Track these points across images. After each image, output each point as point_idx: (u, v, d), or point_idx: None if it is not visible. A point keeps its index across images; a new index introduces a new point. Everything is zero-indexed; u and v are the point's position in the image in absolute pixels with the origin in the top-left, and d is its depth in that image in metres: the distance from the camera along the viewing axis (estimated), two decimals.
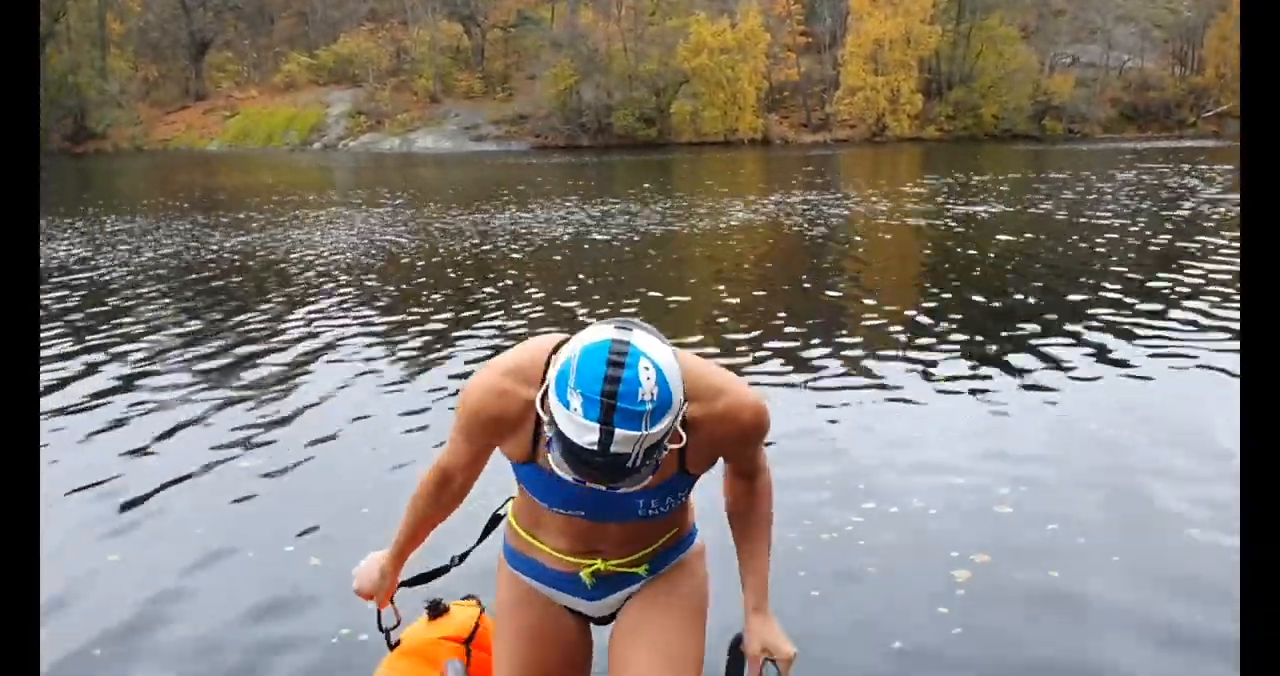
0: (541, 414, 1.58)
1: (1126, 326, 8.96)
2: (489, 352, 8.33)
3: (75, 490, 5.31)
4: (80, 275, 13.14)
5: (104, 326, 9.83)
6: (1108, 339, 8.51)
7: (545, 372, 1.66)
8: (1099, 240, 14.99)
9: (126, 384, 7.59)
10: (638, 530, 1.93)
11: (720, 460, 1.99)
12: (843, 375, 7.56)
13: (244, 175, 36.72)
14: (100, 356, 8.50)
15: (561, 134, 57.22)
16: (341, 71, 64.21)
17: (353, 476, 5.46)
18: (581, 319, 9.84)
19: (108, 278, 12.97)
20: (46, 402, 6.97)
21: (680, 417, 1.58)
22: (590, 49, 58.39)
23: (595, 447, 1.49)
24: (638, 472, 1.55)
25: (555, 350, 1.70)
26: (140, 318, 10.29)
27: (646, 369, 1.50)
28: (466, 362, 8.13)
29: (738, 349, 8.49)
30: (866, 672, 3.53)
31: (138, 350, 8.73)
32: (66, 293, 11.77)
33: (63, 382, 7.59)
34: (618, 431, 1.47)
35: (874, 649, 3.67)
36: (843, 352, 8.28)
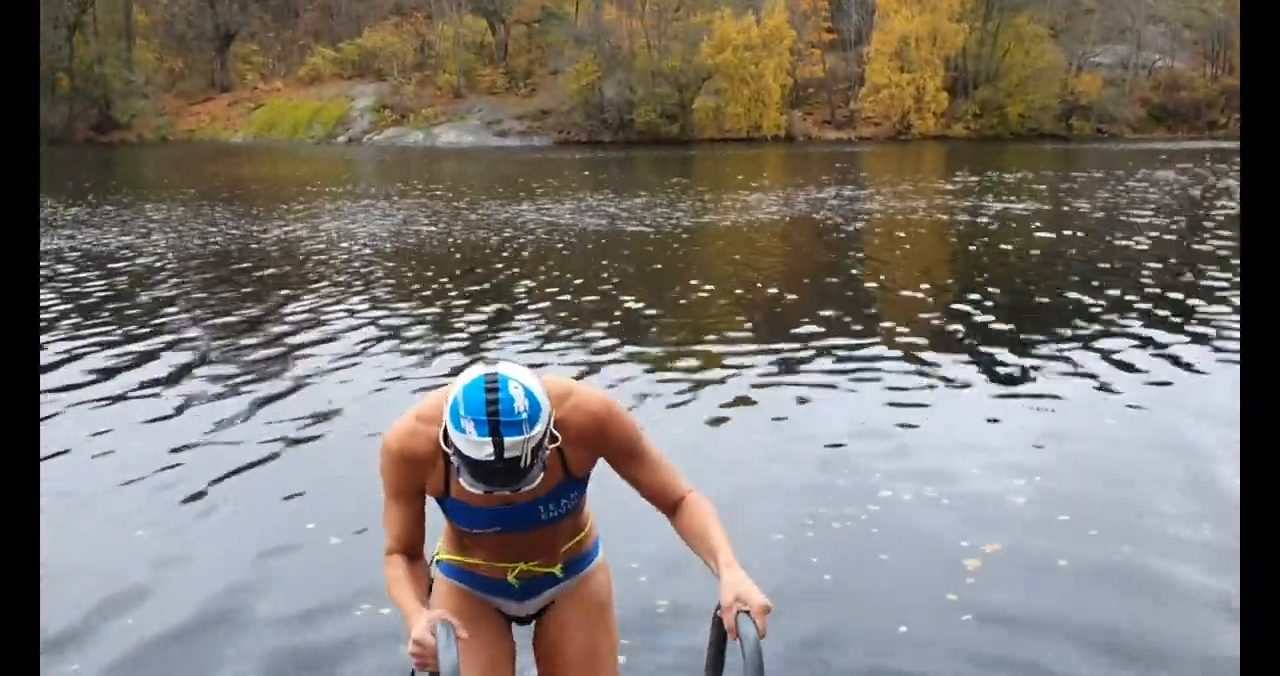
0: (445, 447, 1.95)
1: (1155, 326, 8.84)
2: (526, 341, 8.37)
3: (125, 482, 5.28)
4: (118, 263, 13.19)
5: (143, 315, 9.87)
6: (1134, 338, 8.41)
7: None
8: (1134, 239, 14.82)
9: (165, 372, 7.63)
10: (545, 535, 2.27)
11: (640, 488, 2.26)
12: (864, 370, 7.50)
13: (272, 167, 36.89)
14: (139, 345, 8.53)
15: (584, 130, 57.15)
16: (366, 65, 64.32)
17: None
18: (608, 310, 9.83)
19: (145, 266, 13.02)
20: (88, 391, 6.99)
21: (550, 421, 1.96)
22: (613, 45, 58.23)
23: (492, 458, 1.87)
24: (530, 471, 1.92)
25: None
26: (179, 307, 10.33)
27: (515, 388, 1.89)
28: (506, 350, 8.14)
29: (762, 342, 8.42)
30: (873, 655, 3.51)
31: (176, 340, 8.74)
32: (108, 281, 11.80)
33: (106, 371, 7.62)
34: (506, 440, 1.86)
35: (881, 633, 3.65)
36: (866, 348, 8.21)
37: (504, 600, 2.37)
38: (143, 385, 7.17)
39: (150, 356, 8.06)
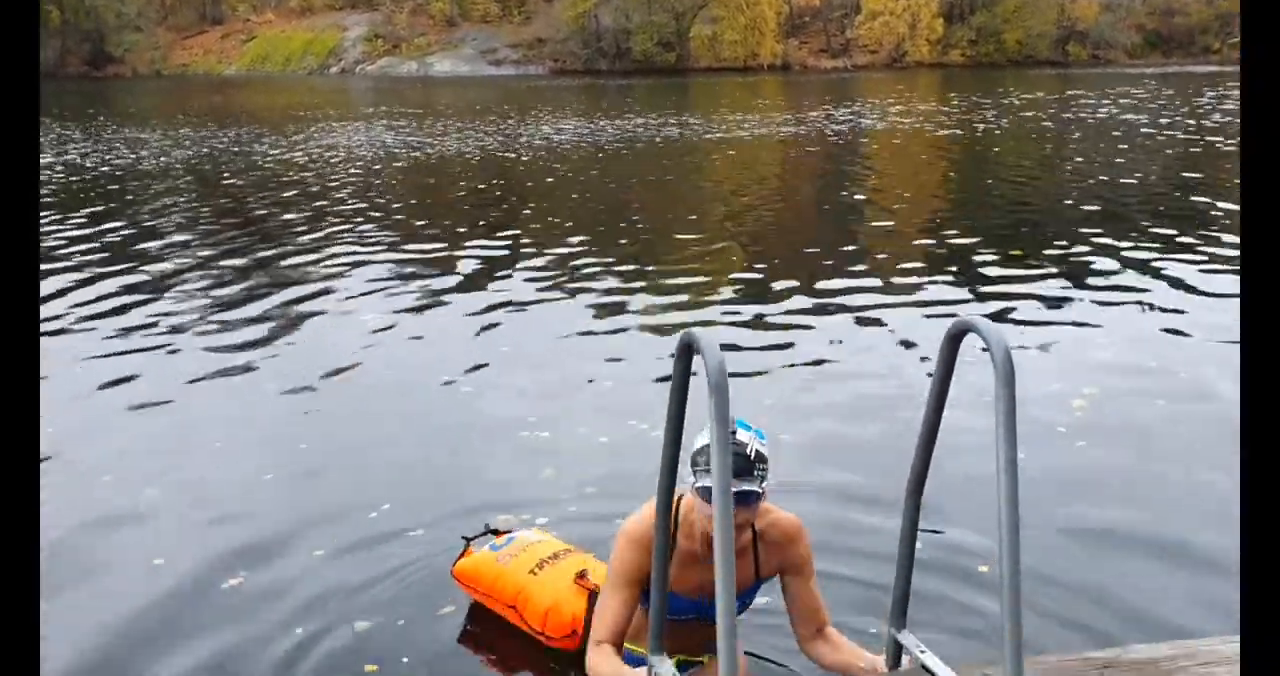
0: (692, 494, 2.45)
1: (1156, 242, 9.50)
2: (536, 265, 8.64)
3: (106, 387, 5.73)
4: (126, 187, 13.62)
5: (159, 240, 10.27)
6: (1148, 250, 9.10)
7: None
8: (1134, 159, 15.38)
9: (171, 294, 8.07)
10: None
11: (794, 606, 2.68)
12: (910, 284, 8.21)
13: (267, 97, 36.87)
14: (149, 268, 9.08)
15: (579, 58, 56.89)
16: None
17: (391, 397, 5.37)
18: (624, 232, 10.43)
19: (151, 190, 13.47)
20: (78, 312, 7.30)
21: (767, 450, 2.42)
22: None
23: (733, 444, 2.32)
24: (759, 465, 2.37)
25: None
26: (197, 229, 10.84)
27: (742, 422, 2.41)
28: (516, 267, 8.54)
29: (782, 259, 9.12)
30: (990, 479, 4.03)
31: (190, 266, 9.12)
32: (124, 212, 12.23)
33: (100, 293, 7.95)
34: (740, 433, 2.36)
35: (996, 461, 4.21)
36: (921, 253, 8.94)
37: None
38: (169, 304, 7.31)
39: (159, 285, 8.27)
